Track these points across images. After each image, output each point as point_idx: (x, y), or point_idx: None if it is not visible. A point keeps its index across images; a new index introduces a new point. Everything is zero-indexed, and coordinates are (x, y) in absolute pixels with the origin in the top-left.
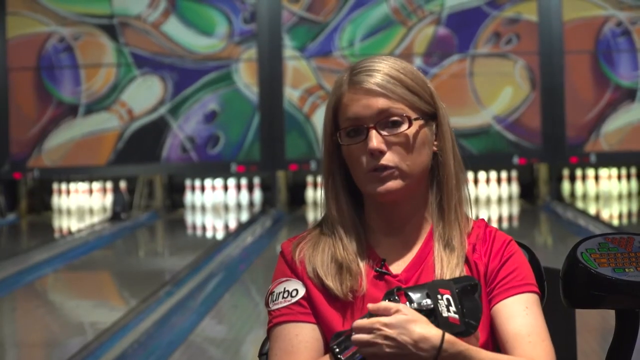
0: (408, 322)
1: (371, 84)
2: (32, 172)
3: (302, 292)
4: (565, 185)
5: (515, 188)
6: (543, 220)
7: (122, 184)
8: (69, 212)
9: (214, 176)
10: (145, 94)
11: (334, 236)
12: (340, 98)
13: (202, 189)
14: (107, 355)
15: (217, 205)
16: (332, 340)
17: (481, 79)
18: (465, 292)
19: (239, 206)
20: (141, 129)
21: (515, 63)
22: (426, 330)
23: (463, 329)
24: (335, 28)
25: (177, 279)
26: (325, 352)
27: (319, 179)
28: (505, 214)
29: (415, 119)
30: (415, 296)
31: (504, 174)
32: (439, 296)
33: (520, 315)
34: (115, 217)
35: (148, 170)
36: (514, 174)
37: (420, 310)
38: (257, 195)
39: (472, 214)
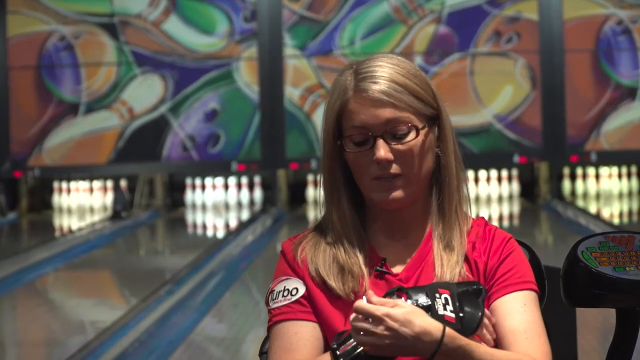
0: (409, 314)
1: (378, 93)
2: (33, 170)
3: (302, 290)
4: (566, 184)
5: (515, 187)
6: (543, 219)
7: (123, 183)
8: (69, 210)
9: (214, 175)
10: (145, 93)
11: (335, 237)
12: (345, 104)
13: (203, 187)
14: (107, 354)
15: (217, 204)
16: (333, 340)
17: (482, 78)
18: (467, 295)
19: (239, 205)
20: (142, 128)
21: (515, 62)
22: (427, 324)
23: (457, 328)
24: (335, 27)
25: (178, 277)
26: (326, 351)
27: (320, 178)
28: (505, 212)
29: (422, 128)
30: (414, 294)
31: (504, 173)
32: (437, 295)
33: (518, 312)
34: (115, 215)
35: (149, 168)
36: (514, 172)
37: (418, 306)
38: (258, 194)
39: (472, 212)
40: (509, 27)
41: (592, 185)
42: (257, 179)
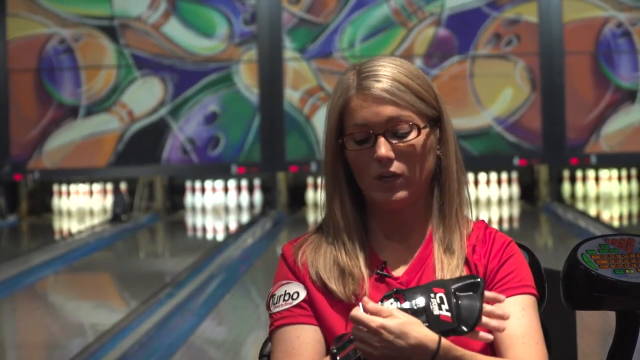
0: (405, 326)
1: (380, 91)
2: (33, 173)
3: (303, 294)
4: (566, 187)
5: (515, 189)
6: (543, 222)
7: (123, 186)
8: (69, 213)
9: (214, 178)
10: (145, 96)
11: (336, 239)
12: (348, 102)
13: (203, 190)
14: (107, 356)
15: (217, 206)
16: (333, 344)
17: (481, 80)
18: (464, 291)
19: (239, 208)
20: (141, 131)
21: (515, 64)
22: (423, 335)
23: (454, 327)
24: (335, 29)
25: (178, 280)
26: (327, 355)
27: (320, 181)
28: (505, 215)
29: (423, 128)
30: (409, 296)
31: (504, 175)
32: (432, 295)
33: (516, 316)
34: (115, 218)
35: (148, 171)
36: (514, 175)
37: (412, 309)
38: (258, 196)
39: (472, 215)
40: (509, 29)
41: (592, 188)
42: (256, 182)
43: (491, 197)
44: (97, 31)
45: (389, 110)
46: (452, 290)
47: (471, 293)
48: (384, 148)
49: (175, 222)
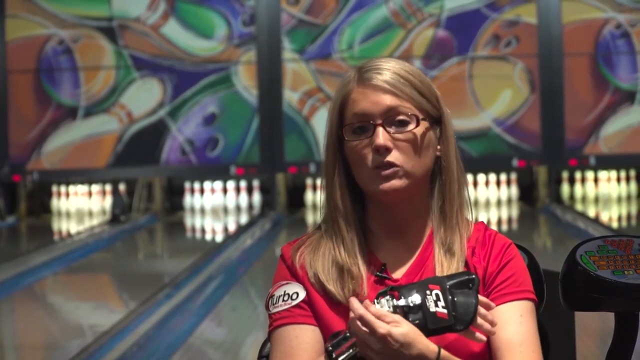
0: (409, 336)
1: (380, 81)
2: (32, 174)
3: (302, 295)
4: (565, 188)
5: (514, 190)
6: (542, 223)
7: (122, 187)
8: (68, 214)
9: (213, 179)
10: (144, 97)
11: (335, 238)
12: (348, 94)
13: (202, 191)
14: (106, 357)
15: (216, 207)
16: (328, 341)
17: (480, 82)
18: (459, 288)
19: (238, 209)
20: (140, 132)
21: (514, 65)
22: (424, 347)
23: (451, 323)
24: (334, 31)
25: (177, 281)
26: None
27: (319, 182)
28: (504, 216)
29: (423, 119)
30: (405, 293)
31: (503, 177)
32: (428, 292)
33: (514, 323)
34: (114, 219)
35: (147, 172)
36: (513, 176)
37: (408, 306)
38: (257, 197)
39: (472, 216)
40: (508, 30)
41: (590, 189)
42: (255, 183)
43: (490, 198)
44: (96, 32)
45: (388, 100)
46: (448, 287)
47: (466, 290)
48: (382, 137)
49: (174, 223)
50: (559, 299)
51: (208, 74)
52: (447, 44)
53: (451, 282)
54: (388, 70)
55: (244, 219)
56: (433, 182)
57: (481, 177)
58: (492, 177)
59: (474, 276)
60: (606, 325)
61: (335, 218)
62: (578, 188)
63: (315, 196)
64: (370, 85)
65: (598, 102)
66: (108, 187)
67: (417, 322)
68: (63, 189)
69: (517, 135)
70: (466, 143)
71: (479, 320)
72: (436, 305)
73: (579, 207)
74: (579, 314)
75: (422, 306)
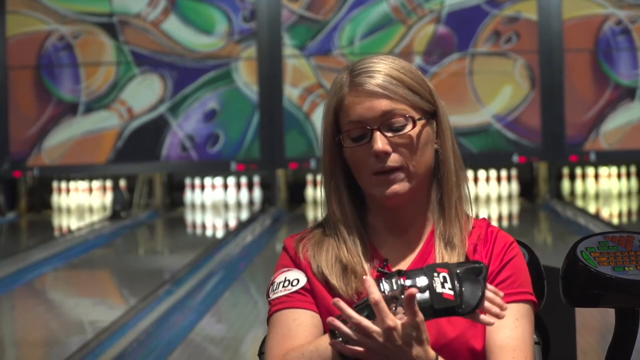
0: (412, 336)
1: (373, 86)
2: (32, 170)
3: (303, 281)
4: (565, 184)
5: (515, 187)
6: (543, 219)
7: (122, 183)
8: (68, 210)
9: (213, 175)
10: (145, 93)
11: (337, 237)
12: (342, 100)
13: (202, 187)
14: (106, 353)
15: (216, 203)
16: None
17: (481, 78)
18: (467, 273)
19: (238, 205)
20: (141, 128)
21: (514, 62)
22: (423, 351)
23: (456, 304)
24: (335, 27)
25: (177, 277)
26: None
27: (319, 178)
28: (505, 212)
29: (419, 119)
30: (413, 276)
31: (503, 173)
32: (435, 274)
33: (509, 327)
34: (114, 215)
35: (148, 168)
36: (513, 172)
37: (415, 286)
38: (257, 193)
39: (472, 212)
40: (508, 27)
41: (591, 185)
42: (256, 179)
43: (490, 195)
44: (97, 28)
45: (383, 104)
46: (456, 272)
47: (474, 276)
48: (380, 142)
49: (174, 219)
50: (560, 295)
51: (208, 70)
52: (447, 40)
53: (460, 268)
54: (379, 72)
55: (244, 215)
56: (432, 176)
57: (481, 173)
58: (493, 173)
59: (482, 265)
60: (607, 321)
61: (336, 220)
62: (578, 184)
63: (315, 192)
64: (363, 91)
65: (598, 99)
66: (108, 183)
67: (423, 301)
68: (63, 185)
69: (517, 132)
70: (466, 139)
71: (487, 304)
72: (443, 287)
73: (579, 203)
74: (579, 310)
75: (429, 287)
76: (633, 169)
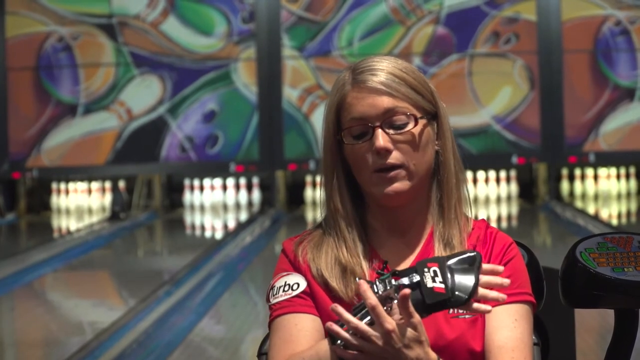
0: (412, 339)
1: (376, 83)
2: (31, 171)
3: (303, 285)
4: (564, 185)
5: (514, 187)
6: (542, 220)
7: (121, 184)
8: (67, 211)
9: (212, 176)
10: (144, 94)
11: (336, 238)
12: (344, 97)
13: (201, 188)
14: (106, 354)
15: (216, 204)
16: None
17: (480, 79)
18: (459, 264)
19: (237, 206)
20: (140, 129)
21: (514, 62)
22: (424, 354)
23: (448, 297)
24: (334, 28)
25: (176, 278)
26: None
27: (318, 179)
28: (504, 213)
29: (420, 118)
30: (405, 275)
31: (502, 174)
32: (426, 269)
33: (508, 327)
34: (114, 216)
35: (147, 169)
36: (512, 173)
37: (408, 285)
38: (256, 194)
39: (472, 213)
40: (508, 27)
41: (590, 186)
42: (255, 180)
43: (490, 196)
44: (96, 29)
45: (385, 102)
46: (447, 264)
47: (467, 266)
48: (382, 139)
49: (173, 220)
50: (559, 296)
51: (208, 71)
52: (446, 41)
53: (450, 259)
54: (382, 70)
55: (243, 216)
56: (432, 178)
57: (481, 174)
58: (492, 174)
59: (474, 254)
60: (606, 322)
61: (336, 220)
62: (578, 185)
63: (314, 193)
64: (366, 88)
65: (597, 99)
66: (108, 184)
67: (415, 299)
68: (63, 186)
69: (516, 132)
70: (466, 140)
71: (483, 291)
72: (433, 281)
73: (578, 204)
74: (578, 311)
75: (420, 283)
76: (632, 169)
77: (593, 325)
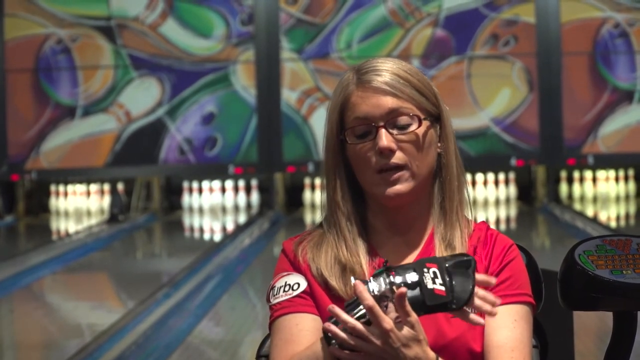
0: (411, 338)
1: (380, 83)
2: (30, 173)
3: (303, 285)
4: (563, 187)
5: (512, 190)
6: (541, 222)
7: (120, 186)
8: (66, 214)
9: (211, 178)
10: (143, 96)
11: (337, 237)
12: (348, 97)
13: (200, 190)
14: (104, 357)
15: (214, 207)
16: (329, 319)
17: (479, 81)
18: (457, 267)
19: (236, 208)
20: (139, 131)
21: (513, 65)
22: (423, 352)
23: (448, 300)
24: (332, 30)
25: (175, 280)
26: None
27: (317, 181)
28: (502, 215)
29: (424, 119)
30: (401, 272)
31: (501, 176)
32: (425, 270)
33: (507, 328)
34: (112, 219)
35: (146, 172)
36: (511, 175)
37: (405, 282)
38: (255, 197)
39: (472, 215)
40: (507, 30)
41: (589, 189)
42: (254, 182)
43: (488, 198)
44: (95, 31)
45: (389, 102)
46: (446, 266)
47: (464, 270)
48: (385, 139)
49: (172, 223)
50: (558, 298)
51: (206, 74)
52: (445, 43)
53: (449, 262)
54: (386, 71)
55: (242, 218)
56: (434, 180)
57: (479, 176)
58: (491, 176)
59: (471, 258)
60: (605, 324)
61: (337, 219)
62: (576, 187)
63: (313, 195)
64: (370, 88)
65: (596, 102)
66: (106, 187)
67: (414, 298)
68: (61, 188)
69: (515, 135)
70: (464, 142)
71: (478, 301)
72: (434, 283)
73: (577, 206)
74: (577, 314)
75: (420, 283)
76: (631, 172)
77: (592, 328)
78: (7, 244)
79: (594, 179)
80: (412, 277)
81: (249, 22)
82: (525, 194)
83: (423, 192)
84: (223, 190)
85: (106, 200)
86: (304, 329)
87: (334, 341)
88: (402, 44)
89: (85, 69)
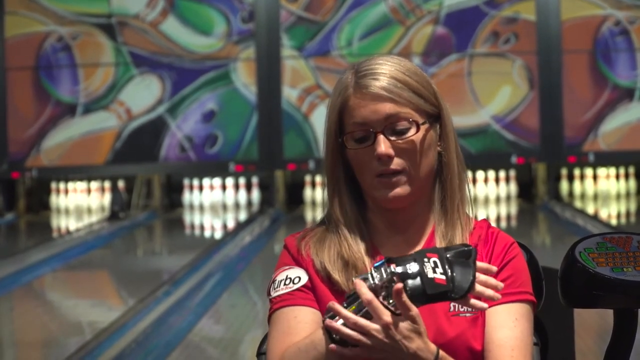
0: (411, 330)
1: (378, 88)
2: (30, 171)
3: (304, 279)
4: (564, 185)
5: (513, 187)
6: (541, 220)
7: (121, 184)
8: (67, 211)
9: (212, 175)
10: (143, 93)
11: (338, 236)
12: (347, 101)
13: (201, 188)
14: (105, 354)
15: (215, 204)
16: (326, 313)
17: (479, 79)
18: (457, 257)
19: (237, 205)
20: (139, 129)
21: (513, 62)
22: (424, 345)
23: (449, 289)
24: (333, 27)
25: (175, 278)
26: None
27: (317, 179)
28: (503, 213)
29: (422, 124)
30: (401, 263)
31: (502, 174)
32: (426, 259)
33: (508, 326)
34: (113, 216)
35: (146, 169)
36: (512, 173)
37: (406, 272)
38: (255, 194)
39: (473, 213)
40: (507, 27)
41: (589, 186)
42: (254, 180)
43: (489, 195)
44: (95, 29)
45: (387, 108)
46: (446, 256)
47: (464, 260)
48: (383, 145)
49: (173, 220)
50: (558, 296)
51: (207, 71)
52: (446, 41)
53: (449, 252)
54: (384, 74)
55: (242, 215)
56: (434, 178)
57: (480, 174)
58: (491, 174)
59: (472, 248)
60: (605, 322)
61: (338, 219)
62: (577, 185)
63: (314, 193)
64: (369, 94)
65: (597, 99)
66: (107, 184)
67: (415, 288)
68: (62, 185)
69: (515, 132)
70: (465, 140)
71: (480, 287)
72: (434, 272)
73: (578, 204)
74: (577, 311)
75: (420, 272)
76: (631, 169)
77: (592, 326)
78: (8, 241)
79: (595, 177)
80: (412, 267)
81: (250, 19)
82: (526, 192)
83: (423, 191)
84: (223, 187)
85: (107, 198)
86: (303, 322)
87: (336, 336)
88: (402, 42)
89: (86, 67)
